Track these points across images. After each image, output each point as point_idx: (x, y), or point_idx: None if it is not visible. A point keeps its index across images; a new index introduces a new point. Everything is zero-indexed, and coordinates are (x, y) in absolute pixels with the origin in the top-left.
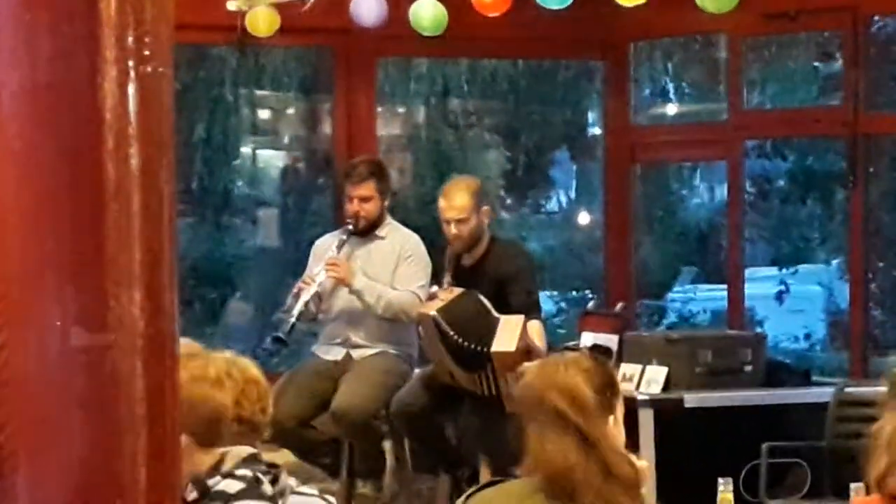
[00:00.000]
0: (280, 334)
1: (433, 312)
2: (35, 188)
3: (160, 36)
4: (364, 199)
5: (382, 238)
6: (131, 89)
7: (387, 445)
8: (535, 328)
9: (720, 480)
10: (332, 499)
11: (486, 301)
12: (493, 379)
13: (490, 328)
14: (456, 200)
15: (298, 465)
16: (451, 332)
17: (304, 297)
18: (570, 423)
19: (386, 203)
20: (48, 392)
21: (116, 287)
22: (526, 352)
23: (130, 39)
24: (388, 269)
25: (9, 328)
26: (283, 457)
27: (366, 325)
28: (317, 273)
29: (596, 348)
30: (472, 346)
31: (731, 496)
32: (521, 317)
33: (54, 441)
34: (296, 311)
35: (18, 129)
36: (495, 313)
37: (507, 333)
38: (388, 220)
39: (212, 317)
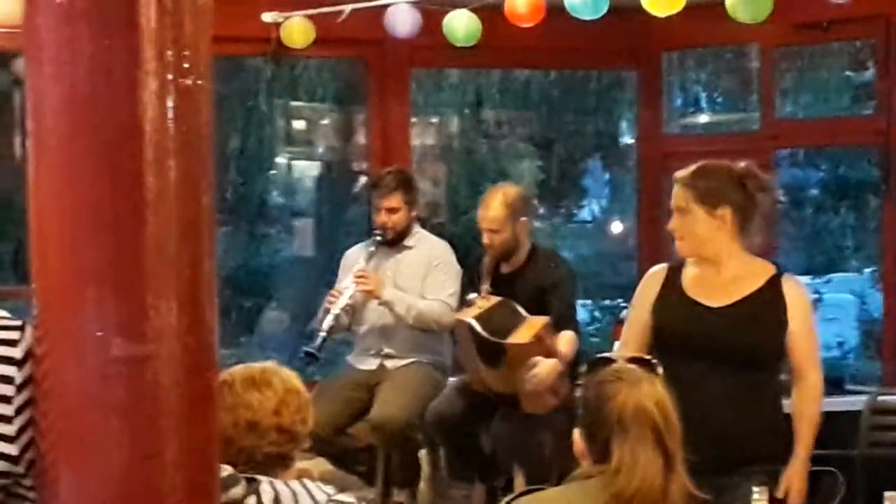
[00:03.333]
0: (311, 349)
1: (469, 319)
2: (75, 200)
3: (199, 49)
4: (392, 211)
5: (411, 248)
6: (171, 102)
7: (422, 454)
8: (567, 337)
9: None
10: None
11: (521, 310)
12: (510, 374)
13: (517, 326)
14: (490, 211)
15: (334, 474)
16: (482, 332)
17: (334, 310)
18: (664, 442)
19: (413, 213)
20: (89, 402)
21: (156, 298)
22: (544, 351)
23: (170, 53)
24: (418, 279)
25: (50, 339)
26: (319, 465)
27: (398, 336)
28: (346, 286)
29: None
30: (492, 338)
31: None
32: (546, 318)
33: (95, 450)
34: (325, 326)
35: (59, 141)
36: (525, 314)
37: (527, 328)
38: (417, 229)
39: (247, 326)
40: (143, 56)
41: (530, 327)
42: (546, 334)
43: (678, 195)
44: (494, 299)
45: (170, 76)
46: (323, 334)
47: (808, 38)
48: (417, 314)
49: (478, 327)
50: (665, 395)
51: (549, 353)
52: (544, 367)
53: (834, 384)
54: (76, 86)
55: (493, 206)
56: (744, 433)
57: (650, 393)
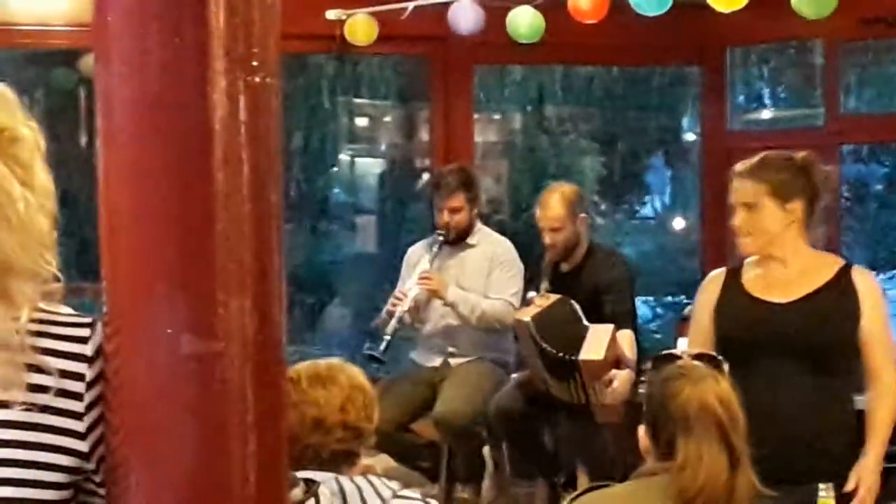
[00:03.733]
0: (375, 353)
1: (527, 319)
2: (146, 197)
3: (268, 47)
4: (454, 210)
5: (474, 246)
6: (241, 100)
7: (486, 450)
8: (627, 338)
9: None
10: (434, 503)
11: (578, 309)
12: (583, 388)
13: (579, 336)
14: (550, 210)
15: (397, 470)
16: (542, 342)
17: (398, 313)
18: (729, 438)
19: (475, 212)
20: (159, 399)
21: (226, 295)
22: (615, 361)
23: (240, 50)
24: (482, 277)
25: (120, 336)
26: (382, 461)
27: (462, 335)
28: (409, 288)
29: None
30: (562, 354)
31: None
32: (611, 326)
33: (165, 447)
34: (390, 329)
35: (130, 139)
36: (585, 322)
37: (596, 342)
38: (479, 226)
39: (311, 323)
40: (213, 54)
41: (598, 339)
42: (615, 343)
43: (745, 190)
44: (553, 297)
45: (239, 74)
46: (387, 338)
47: (873, 32)
48: (481, 314)
49: (538, 337)
50: (730, 392)
51: (619, 361)
52: (621, 381)
53: None
54: (146, 84)
55: (553, 204)
56: (814, 432)
57: (714, 390)
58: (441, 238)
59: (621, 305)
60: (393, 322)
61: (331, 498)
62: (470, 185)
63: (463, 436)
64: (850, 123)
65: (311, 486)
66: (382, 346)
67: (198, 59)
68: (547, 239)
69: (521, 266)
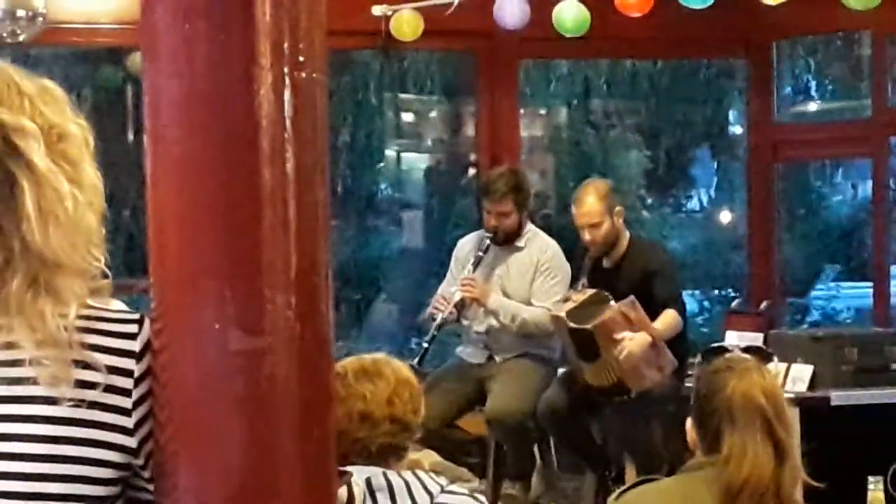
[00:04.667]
0: (412, 363)
1: (562, 314)
2: (193, 194)
3: (314, 42)
4: (503, 215)
5: (521, 248)
6: (287, 95)
7: (534, 446)
8: (668, 315)
9: (870, 479)
10: (482, 498)
11: (611, 298)
12: (607, 360)
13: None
14: (586, 206)
15: (444, 465)
16: (573, 324)
17: (439, 320)
18: (773, 429)
19: (525, 213)
20: (207, 394)
21: (273, 291)
22: (630, 325)
23: (286, 46)
24: (526, 282)
25: (168, 331)
26: (428, 457)
27: (506, 338)
28: (452, 293)
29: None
30: (579, 327)
31: (882, 494)
32: (630, 297)
33: (213, 442)
34: (429, 337)
35: (177, 136)
36: (613, 303)
37: (609, 311)
38: (528, 227)
39: (357, 318)
40: (259, 50)
41: (611, 308)
42: (630, 309)
43: None
44: (589, 292)
45: (286, 70)
46: (426, 346)
47: None
48: (522, 323)
49: (569, 322)
50: (775, 385)
51: (637, 327)
52: (634, 340)
53: None
54: (193, 81)
55: (588, 201)
56: None
57: (759, 382)
58: (489, 241)
59: (668, 290)
60: (432, 330)
61: (363, 489)
62: (519, 189)
63: (515, 433)
64: None
65: (342, 475)
66: (419, 356)
67: (244, 55)
68: (587, 236)
69: (568, 271)
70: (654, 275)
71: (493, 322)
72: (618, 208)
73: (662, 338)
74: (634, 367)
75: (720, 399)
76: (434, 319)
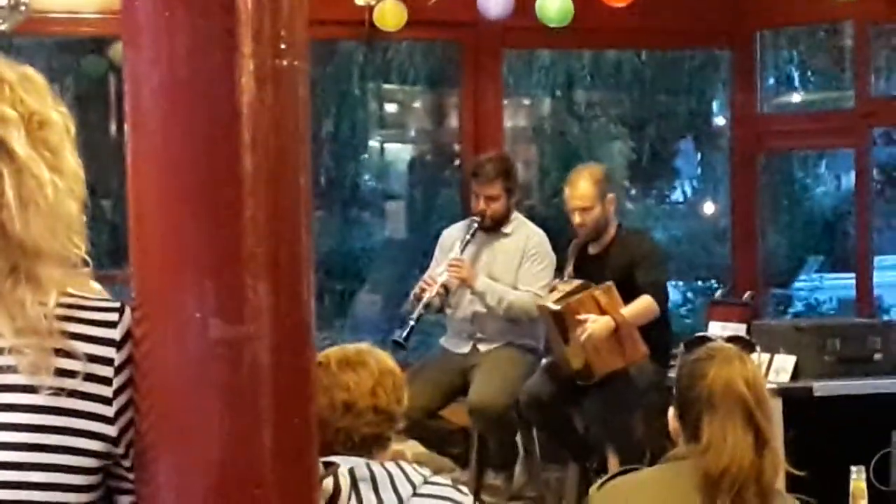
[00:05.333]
0: (398, 339)
1: (549, 304)
2: (174, 182)
3: (295, 30)
4: (492, 199)
5: (508, 235)
6: (268, 83)
7: (516, 436)
8: (643, 301)
9: (853, 468)
10: (465, 489)
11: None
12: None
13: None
14: (579, 189)
15: (428, 456)
16: (549, 304)
17: (425, 299)
18: (754, 418)
19: (513, 200)
20: (188, 383)
21: (254, 279)
22: (597, 309)
23: (267, 34)
24: (513, 268)
25: (149, 320)
26: (412, 447)
27: (490, 321)
28: (440, 273)
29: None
30: (553, 306)
31: (863, 484)
32: (609, 283)
33: (194, 431)
34: (415, 315)
35: (158, 124)
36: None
37: (583, 294)
38: (515, 215)
39: (341, 309)
40: (240, 38)
41: (586, 292)
42: (602, 295)
43: None
44: (575, 282)
45: (267, 57)
46: (412, 323)
47: None
48: (508, 305)
49: (550, 304)
50: (756, 373)
51: (607, 311)
52: (597, 323)
53: None
54: (174, 69)
55: (581, 184)
56: None
57: (740, 371)
58: (476, 224)
59: (650, 276)
60: (419, 308)
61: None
62: (508, 174)
63: (497, 424)
64: (881, 106)
65: (328, 466)
66: (405, 332)
67: (225, 43)
68: (577, 218)
69: (553, 258)
70: (637, 264)
71: (479, 308)
72: (610, 195)
73: (629, 324)
74: (596, 349)
75: (701, 387)
76: (420, 299)
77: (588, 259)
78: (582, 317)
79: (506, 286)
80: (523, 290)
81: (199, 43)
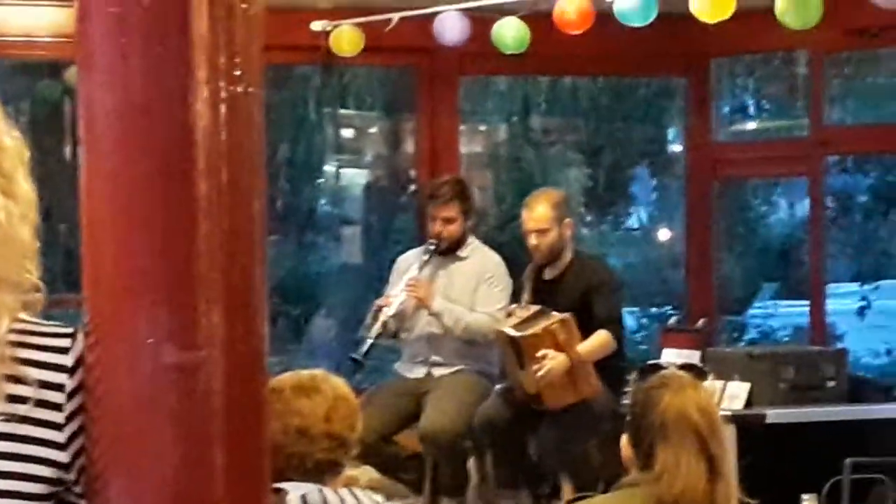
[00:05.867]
0: (356, 356)
1: (507, 329)
2: (127, 207)
3: (251, 56)
4: (448, 221)
5: (464, 259)
6: (223, 109)
7: (470, 462)
8: (599, 336)
9: (804, 496)
10: None
11: (555, 314)
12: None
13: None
14: (536, 212)
15: (381, 482)
16: (513, 333)
17: (383, 317)
18: (707, 445)
19: (469, 223)
20: (140, 409)
21: (208, 305)
22: (555, 344)
23: (222, 60)
24: (469, 290)
25: (101, 346)
26: (366, 473)
27: (446, 345)
28: (395, 294)
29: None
30: (511, 334)
31: None
32: (567, 315)
33: (146, 457)
34: (373, 333)
35: (111, 149)
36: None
37: (543, 323)
38: (471, 239)
39: (296, 334)
40: (195, 64)
41: (547, 322)
42: (561, 329)
43: None
44: (533, 308)
45: (222, 84)
46: (370, 341)
47: (859, 43)
48: (465, 326)
49: (512, 332)
50: (710, 401)
51: (563, 348)
52: (554, 360)
53: (883, 391)
54: (128, 94)
55: (539, 207)
56: None
57: (694, 398)
58: (433, 247)
59: (607, 309)
60: (377, 326)
61: None
62: (465, 196)
63: (449, 450)
64: (835, 134)
65: (277, 493)
66: (364, 349)
67: (180, 69)
68: (532, 240)
69: (510, 282)
70: (594, 292)
71: (434, 329)
72: (567, 220)
73: (584, 361)
74: (550, 385)
75: (654, 415)
76: (378, 318)
77: (544, 284)
78: (540, 353)
79: (463, 308)
80: (481, 311)
81: (153, 68)
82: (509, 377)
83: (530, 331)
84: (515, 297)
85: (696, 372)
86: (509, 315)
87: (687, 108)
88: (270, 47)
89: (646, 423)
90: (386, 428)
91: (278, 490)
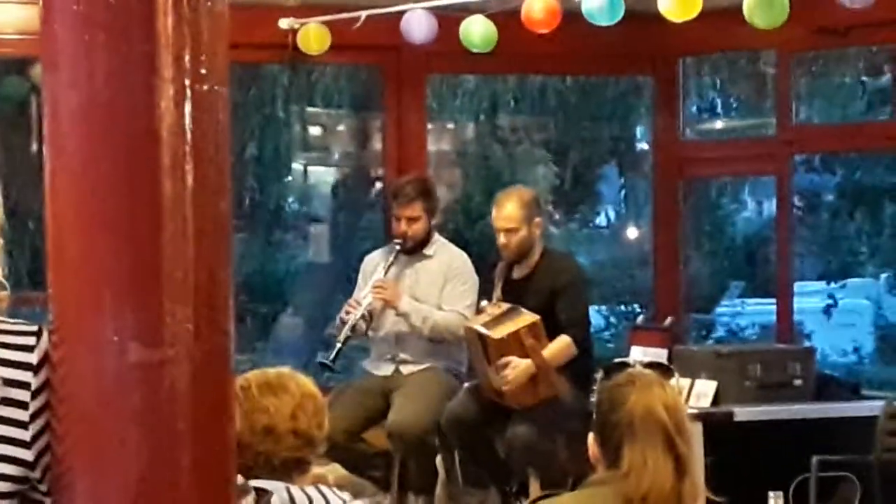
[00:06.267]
0: (326, 361)
1: (477, 326)
2: (92, 205)
3: (216, 55)
4: (412, 220)
5: (430, 257)
6: (188, 108)
7: (437, 459)
8: (562, 342)
9: (770, 494)
10: None
11: (526, 313)
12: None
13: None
14: (505, 210)
15: (349, 479)
16: (482, 330)
17: (351, 321)
18: (674, 444)
19: (433, 221)
20: (105, 407)
21: (172, 303)
22: (522, 349)
23: (187, 58)
24: (436, 289)
25: (66, 344)
26: (334, 471)
27: (414, 343)
28: (364, 296)
29: (655, 366)
30: (481, 330)
31: None
32: (536, 317)
33: (111, 455)
34: (342, 337)
35: (76, 147)
36: (523, 311)
37: (511, 325)
38: (436, 237)
39: (263, 332)
40: (160, 62)
41: (514, 324)
42: (528, 334)
43: None
44: (504, 306)
45: (187, 82)
46: (339, 345)
47: (826, 43)
48: (433, 325)
49: (483, 330)
50: (676, 399)
51: (529, 353)
52: (516, 368)
53: (850, 389)
54: (93, 92)
55: (509, 205)
56: None
57: (661, 396)
58: (398, 247)
59: (573, 310)
60: (345, 330)
61: None
62: (428, 194)
63: (416, 446)
64: (802, 133)
65: (262, 495)
66: (333, 354)
67: (145, 67)
68: (501, 239)
69: (476, 279)
70: (560, 293)
71: (402, 328)
72: (537, 219)
73: (548, 367)
74: (512, 391)
75: (621, 413)
76: (346, 322)
77: (512, 283)
78: (503, 360)
79: (430, 307)
80: (448, 310)
81: (118, 66)
82: (477, 373)
83: (498, 333)
84: (486, 295)
85: (663, 370)
86: (480, 312)
87: (654, 106)
88: (237, 45)
89: (612, 421)
90: (353, 425)
91: (264, 491)
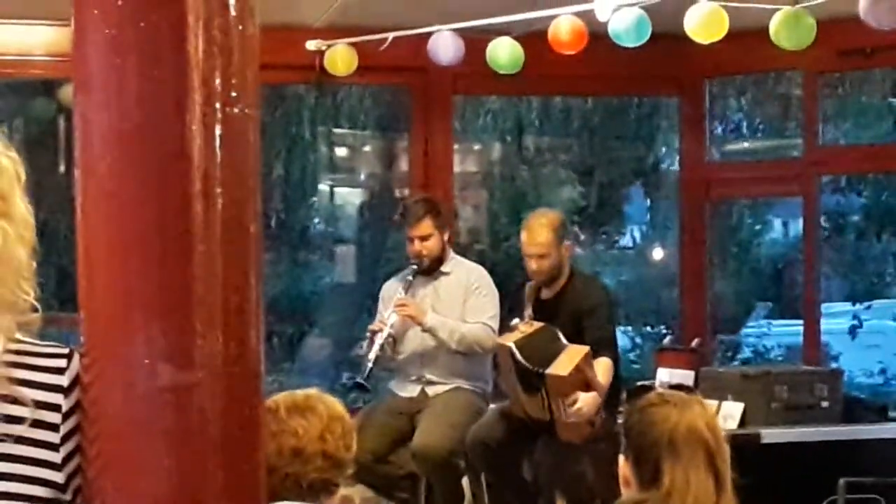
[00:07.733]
0: (360, 380)
1: (510, 344)
2: (123, 228)
3: (246, 77)
4: (424, 238)
5: (448, 274)
6: (218, 130)
7: (464, 481)
8: (602, 365)
9: None
10: None
11: (562, 336)
12: (549, 403)
13: (556, 354)
14: (537, 236)
15: (376, 501)
16: (522, 359)
17: (379, 340)
18: (714, 461)
19: (446, 237)
20: (136, 429)
21: (203, 326)
22: (583, 383)
23: (217, 81)
24: (458, 304)
25: (97, 366)
26: (360, 492)
27: (439, 362)
28: (388, 315)
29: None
30: (532, 367)
31: None
32: (586, 348)
33: (141, 477)
34: (372, 356)
35: (108, 170)
36: (564, 342)
37: (567, 360)
38: (452, 255)
39: (289, 352)
40: (191, 85)
41: (570, 358)
42: (585, 365)
43: None
44: (536, 325)
45: (217, 105)
46: (370, 364)
47: (851, 64)
48: (460, 337)
49: (518, 355)
50: (715, 417)
51: (588, 384)
52: (586, 402)
53: (877, 411)
54: (124, 115)
55: (539, 231)
56: None
57: (701, 414)
58: (415, 268)
59: (601, 331)
60: (375, 348)
61: None
62: (436, 211)
63: (441, 468)
64: (829, 154)
65: None
66: (366, 373)
67: (176, 90)
68: (533, 265)
69: (496, 291)
70: (588, 314)
71: (428, 344)
72: (566, 243)
73: (604, 392)
74: (576, 423)
75: (660, 432)
76: (374, 342)
77: (541, 303)
78: (572, 396)
79: (455, 320)
80: (472, 321)
81: (149, 89)
82: (508, 395)
83: (563, 370)
84: (516, 314)
85: (686, 392)
86: (512, 330)
87: (681, 127)
88: (265, 67)
89: (649, 441)
90: (380, 447)
91: None
